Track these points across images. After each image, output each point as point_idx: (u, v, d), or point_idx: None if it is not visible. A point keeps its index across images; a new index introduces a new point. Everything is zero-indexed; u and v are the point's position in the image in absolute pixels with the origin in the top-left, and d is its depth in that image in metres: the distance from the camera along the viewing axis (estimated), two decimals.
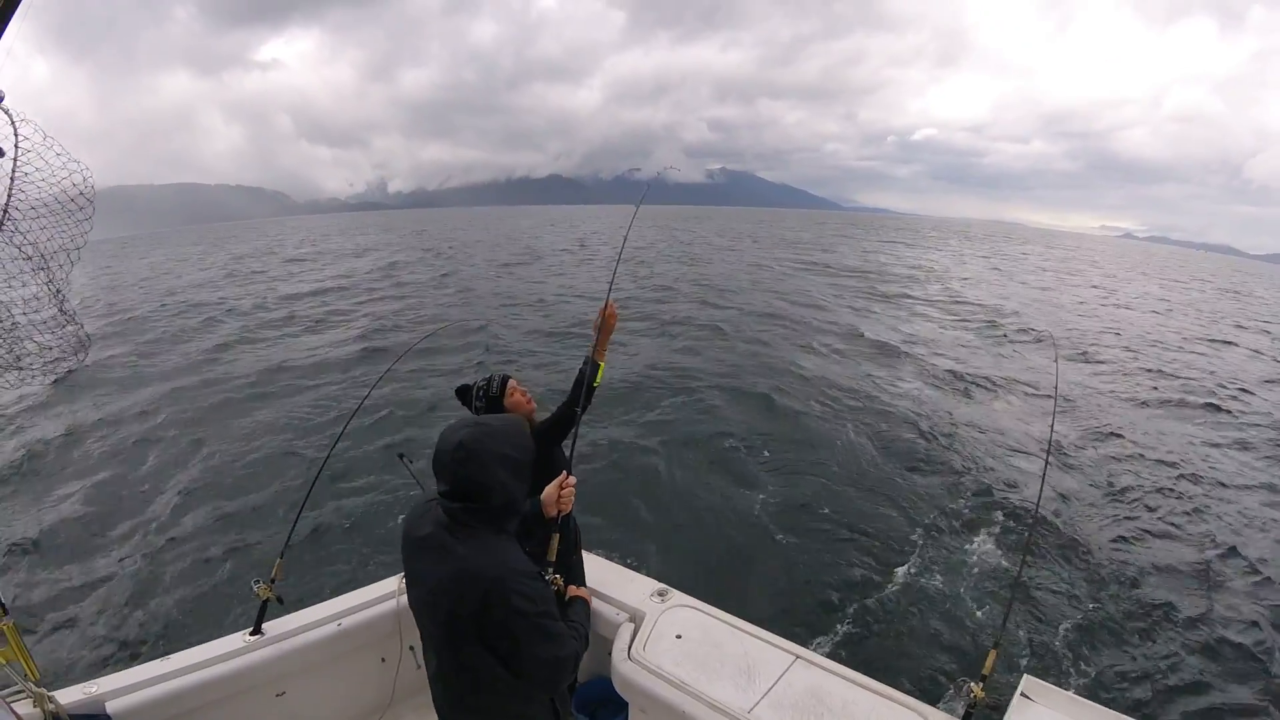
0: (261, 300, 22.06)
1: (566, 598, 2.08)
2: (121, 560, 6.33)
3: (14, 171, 1.84)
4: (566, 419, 2.82)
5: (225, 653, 2.57)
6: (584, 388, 2.72)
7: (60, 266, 2.07)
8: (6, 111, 1.78)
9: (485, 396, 2.82)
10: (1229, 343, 20.82)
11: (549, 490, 2.16)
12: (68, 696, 2.26)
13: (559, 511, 2.16)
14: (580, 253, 40.88)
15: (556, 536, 2.18)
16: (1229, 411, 12.63)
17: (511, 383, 2.87)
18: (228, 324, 17.89)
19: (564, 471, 2.21)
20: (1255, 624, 5.68)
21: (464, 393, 2.90)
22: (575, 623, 1.95)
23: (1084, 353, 16.71)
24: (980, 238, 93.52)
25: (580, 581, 2.90)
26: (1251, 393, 14.19)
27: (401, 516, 2.85)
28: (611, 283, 2.98)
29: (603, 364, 2.83)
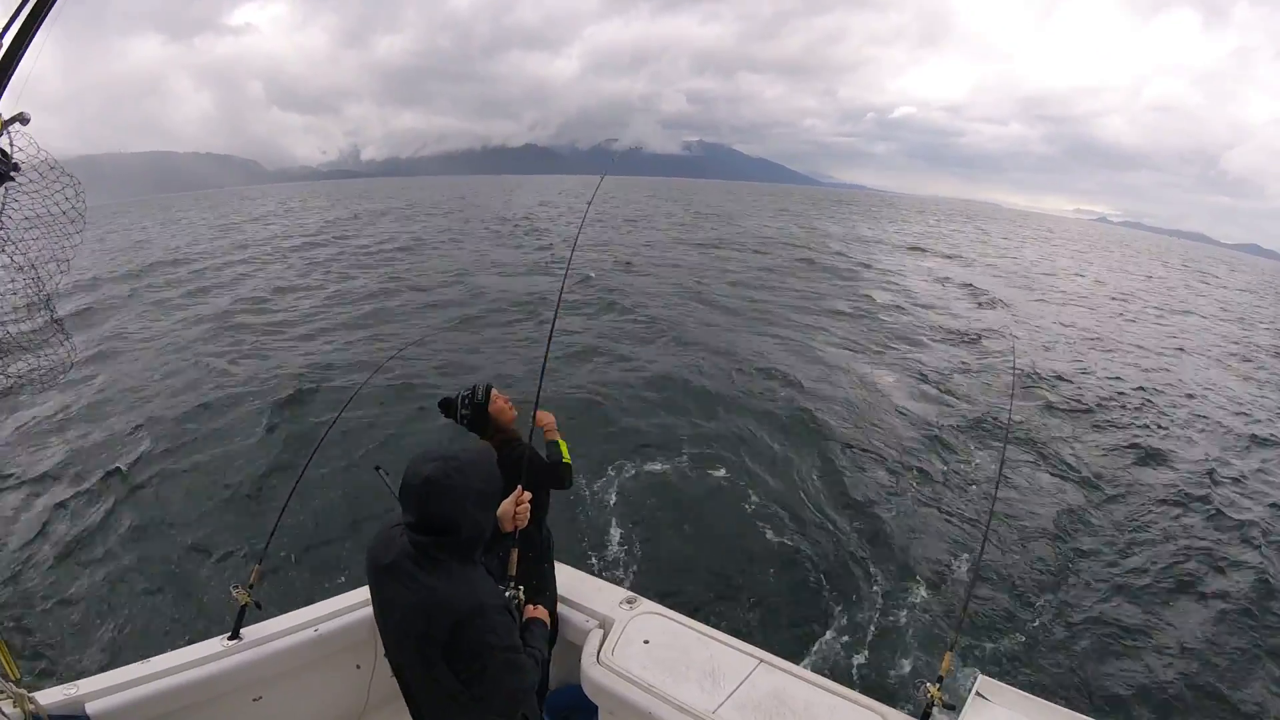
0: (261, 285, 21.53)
1: (524, 619, 2.09)
2: (102, 563, 6.29)
3: (4, 190, 1.91)
4: (551, 476, 2.89)
5: (204, 656, 2.59)
6: (554, 472, 2.89)
7: (50, 276, 2.13)
8: (9, 134, 1.84)
9: (471, 404, 2.87)
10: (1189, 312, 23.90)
11: (505, 505, 2.17)
12: (48, 697, 2.27)
13: (515, 527, 2.20)
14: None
15: (515, 551, 2.22)
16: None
17: (494, 390, 2.95)
18: (218, 310, 17.64)
19: (519, 486, 2.24)
20: (1206, 619, 5.92)
21: (447, 405, 2.93)
22: (534, 649, 1.97)
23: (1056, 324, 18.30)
24: (963, 216, 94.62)
25: (551, 589, 2.97)
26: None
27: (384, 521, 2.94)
28: (558, 300, 3.06)
29: (562, 442, 2.97)
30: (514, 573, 2.20)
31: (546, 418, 2.99)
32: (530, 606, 2.16)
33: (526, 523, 2.23)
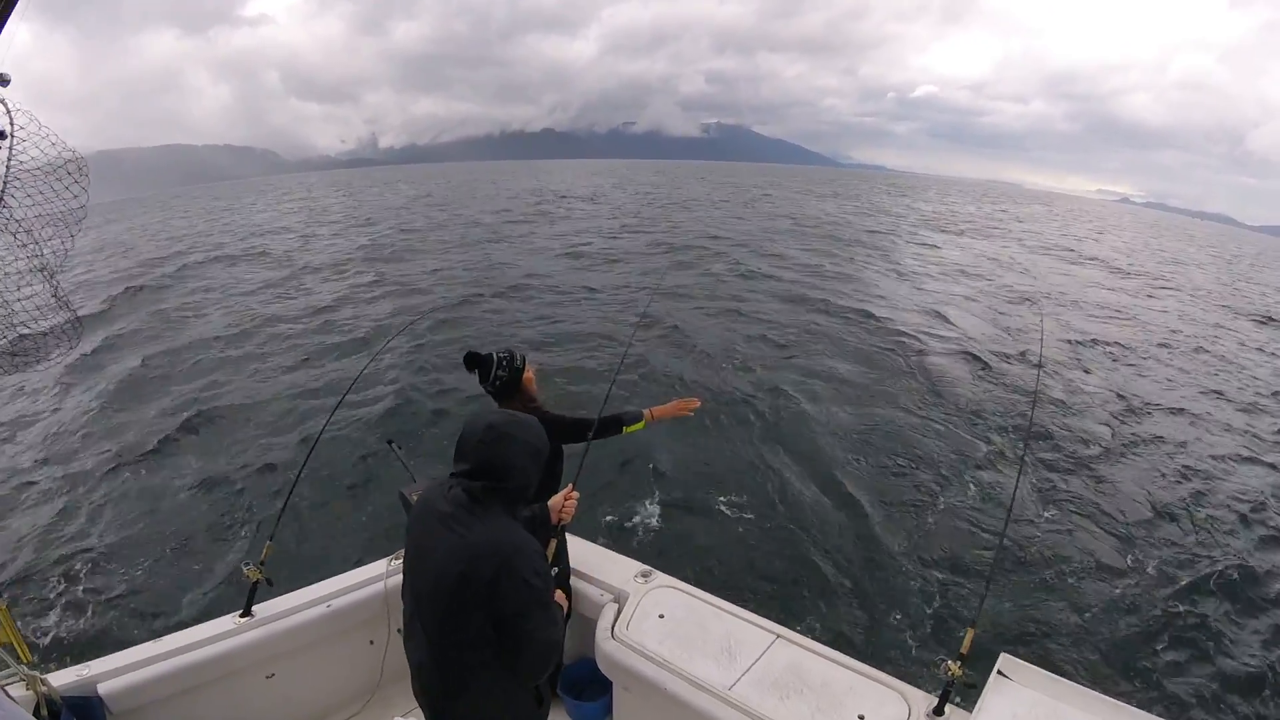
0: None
1: None
2: (113, 543, 6.32)
3: (9, 161, 1.86)
4: (579, 431, 2.80)
5: (216, 634, 2.59)
6: (615, 427, 2.90)
7: (54, 253, 2.10)
8: (3, 101, 1.78)
9: (510, 367, 2.77)
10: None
11: (556, 499, 2.33)
12: (60, 679, 2.28)
13: (560, 520, 2.31)
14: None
15: (554, 541, 2.28)
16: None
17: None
18: (226, 295, 17.69)
19: (570, 485, 2.36)
20: (1239, 605, 5.74)
21: (476, 360, 2.79)
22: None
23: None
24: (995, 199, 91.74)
25: (564, 562, 2.94)
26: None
27: (397, 492, 2.89)
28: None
29: (644, 425, 2.99)
30: (550, 560, 2.23)
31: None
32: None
33: (570, 519, 2.34)
